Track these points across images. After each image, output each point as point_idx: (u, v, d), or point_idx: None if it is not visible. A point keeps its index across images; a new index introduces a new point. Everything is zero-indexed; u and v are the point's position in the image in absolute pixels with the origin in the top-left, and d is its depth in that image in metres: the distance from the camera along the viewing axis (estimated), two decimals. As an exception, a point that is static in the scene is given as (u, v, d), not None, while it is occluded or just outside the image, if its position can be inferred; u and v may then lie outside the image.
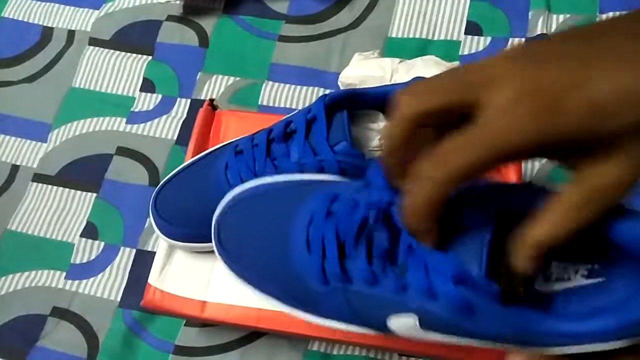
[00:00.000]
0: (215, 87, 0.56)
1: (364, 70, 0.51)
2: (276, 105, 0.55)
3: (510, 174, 0.40)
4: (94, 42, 0.61)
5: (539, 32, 0.53)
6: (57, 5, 0.63)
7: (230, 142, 0.39)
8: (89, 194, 0.54)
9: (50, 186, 0.55)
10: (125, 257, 0.51)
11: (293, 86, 0.55)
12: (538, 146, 0.20)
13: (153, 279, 0.41)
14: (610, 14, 0.53)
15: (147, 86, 0.58)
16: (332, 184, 0.31)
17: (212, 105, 0.46)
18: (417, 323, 0.25)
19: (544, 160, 0.49)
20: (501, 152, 0.20)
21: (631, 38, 0.19)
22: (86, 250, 0.52)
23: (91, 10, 0.62)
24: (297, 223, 0.29)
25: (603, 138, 0.19)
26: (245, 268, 0.31)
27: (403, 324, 0.26)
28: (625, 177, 0.20)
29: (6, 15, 0.63)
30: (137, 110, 0.57)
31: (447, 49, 0.54)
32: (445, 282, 0.23)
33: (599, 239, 0.23)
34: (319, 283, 0.28)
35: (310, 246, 0.28)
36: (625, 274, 0.24)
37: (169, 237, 0.39)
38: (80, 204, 0.54)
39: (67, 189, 0.54)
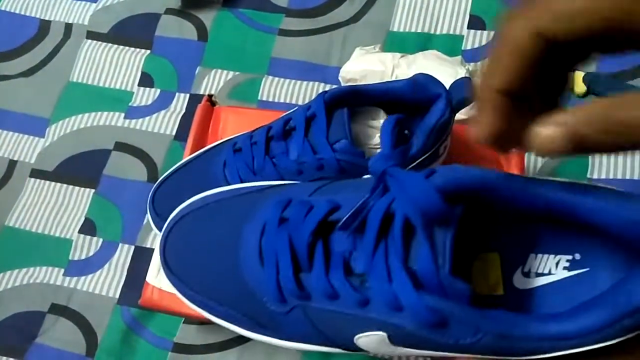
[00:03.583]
0: (214, 81, 0.56)
1: (365, 65, 0.50)
2: (276, 100, 0.54)
3: (512, 169, 0.39)
4: (92, 35, 0.60)
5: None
6: (54, -2, 0.62)
7: (229, 139, 0.39)
8: (87, 189, 0.53)
9: (48, 182, 0.54)
10: (123, 254, 0.50)
11: (293, 81, 0.55)
12: None
13: (151, 277, 0.40)
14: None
15: (146, 80, 0.57)
16: (286, 188, 0.28)
17: (211, 101, 0.45)
18: (387, 339, 0.23)
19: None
20: None
21: None
22: (84, 247, 0.51)
23: (89, 3, 0.61)
24: (248, 235, 0.26)
25: None
26: (199, 292, 0.28)
27: (372, 341, 0.23)
28: None
29: (3, 8, 0.62)
30: (135, 105, 0.56)
31: (449, 43, 0.53)
32: (410, 290, 0.20)
33: (578, 225, 0.21)
34: (275, 302, 0.25)
35: (263, 259, 0.25)
36: (609, 261, 0.22)
37: (167, 236, 0.38)
38: (78, 200, 0.53)
39: (65, 185, 0.54)
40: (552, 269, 0.23)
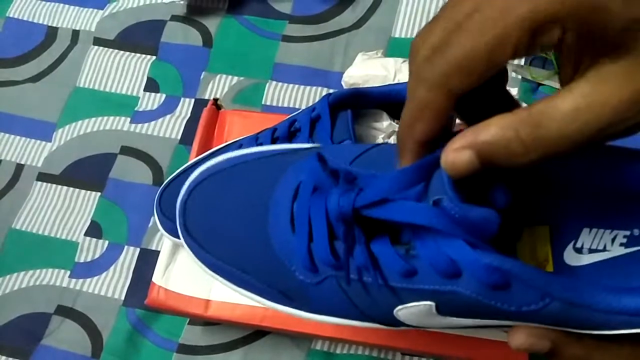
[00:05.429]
0: (219, 86, 0.57)
1: (368, 70, 0.51)
2: (280, 105, 0.55)
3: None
4: (98, 42, 0.61)
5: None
6: (61, 5, 0.63)
7: (235, 141, 0.39)
8: (93, 193, 0.54)
9: (54, 185, 0.55)
10: (129, 256, 0.51)
11: (297, 86, 0.55)
12: (569, 13, 0.16)
13: (157, 277, 0.41)
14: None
15: (151, 86, 0.58)
16: (322, 151, 0.26)
17: (216, 104, 0.46)
18: (434, 309, 0.21)
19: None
20: (516, 29, 0.17)
21: None
22: (90, 249, 0.52)
23: (95, 10, 0.62)
24: (279, 198, 0.24)
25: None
26: (218, 258, 0.26)
27: (415, 312, 0.21)
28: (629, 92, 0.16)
29: (11, 15, 0.63)
30: (141, 109, 0.57)
31: (450, 48, 0.54)
32: (466, 250, 0.19)
33: (635, 199, 0.20)
34: (305, 271, 0.23)
35: (295, 226, 0.23)
36: None
37: (173, 236, 0.39)
38: (84, 203, 0.54)
39: (71, 188, 0.55)
40: (608, 245, 0.22)
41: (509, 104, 0.23)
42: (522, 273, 0.18)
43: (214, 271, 0.27)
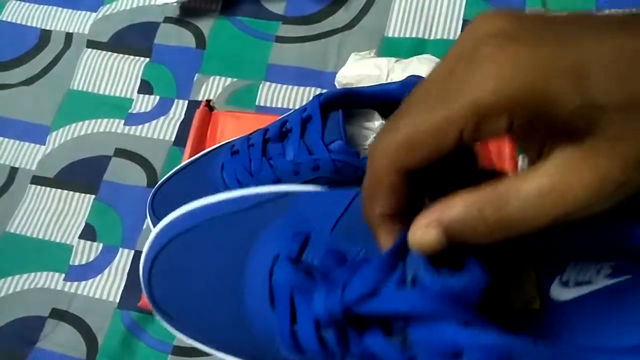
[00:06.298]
0: (212, 88, 0.57)
1: (361, 70, 0.51)
2: (273, 105, 0.55)
3: (505, 165, 0.40)
4: (92, 44, 0.61)
5: (535, 31, 0.53)
6: (55, 8, 0.63)
7: (227, 143, 0.39)
8: (88, 195, 0.54)
9: (48, 188, 0.55)
10: (123, 259, 0.51)
11: (290, 86, 0.55)
12: (517, 103, 0.16)
13: (151, 279, 0.41)
14: (607, 11, 0.53)
15: (145, 88, 0.58)
16: (293, 206, 0.24)
17: (209, 106, 0.46)
18: None
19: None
20: (460, 114, 0.16)
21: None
22: (85, 252, 0.52)
23: (89, 13, 0.62)
24: (255, 269, 0.22)
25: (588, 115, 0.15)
26: (192, 335, 0.24)
27: None
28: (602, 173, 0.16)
29: (4, 18, 0.63)
30: (134, 111, 0.57)
31: (443, 48, 0.54)
32: (463, 330, 0.18)
33: (620, 240, 0.19)
34: (289, 349, 0.21)
35: (274, 303, 0.21)
36: None
37: (166, 238, 0.39)
38: (78, 206, 0.54)
39: (65, 191, 0.55)
40: (593, 277, 0.21)
41: (476, 175, 0.22)
42: (521, 349, 0.17)
43: (194, 340, 0.25)
